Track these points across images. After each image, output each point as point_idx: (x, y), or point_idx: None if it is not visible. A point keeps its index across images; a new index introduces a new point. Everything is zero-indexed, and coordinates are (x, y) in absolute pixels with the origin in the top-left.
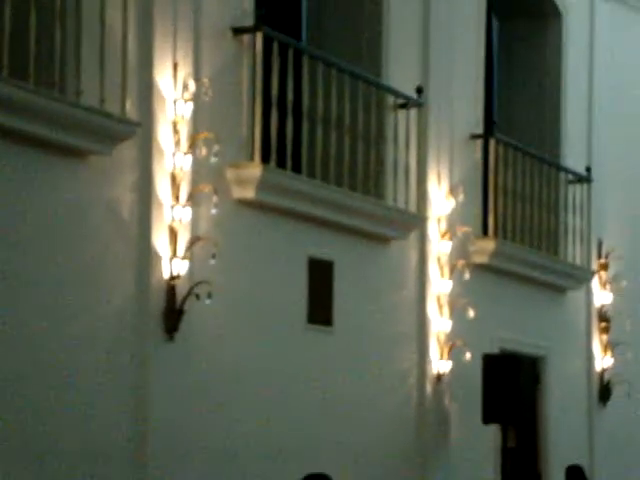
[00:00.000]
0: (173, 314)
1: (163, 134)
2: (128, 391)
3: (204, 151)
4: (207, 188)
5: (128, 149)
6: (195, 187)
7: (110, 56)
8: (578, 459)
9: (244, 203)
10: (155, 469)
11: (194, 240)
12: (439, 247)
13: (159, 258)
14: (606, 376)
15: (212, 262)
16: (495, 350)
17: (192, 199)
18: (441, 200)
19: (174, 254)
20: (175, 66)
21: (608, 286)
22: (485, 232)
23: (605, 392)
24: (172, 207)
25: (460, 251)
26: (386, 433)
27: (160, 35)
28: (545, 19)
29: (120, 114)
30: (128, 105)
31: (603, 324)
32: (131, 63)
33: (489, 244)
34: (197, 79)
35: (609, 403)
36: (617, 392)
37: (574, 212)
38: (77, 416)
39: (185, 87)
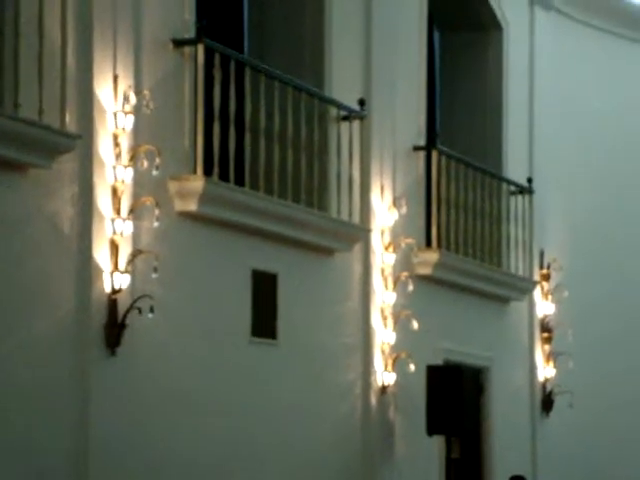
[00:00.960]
0: (115, 328)
1: (104, 147)
2: (69, 407)
3: (145, 164)
4: (149, 201)
5: (68, 162)
6: (137, 200)
7: (49, 68)
8: (521, 469)
9: (186, 216)
10: None
11: (136, 253)
12: (383, 259)
13: (100, 272)
14: (548, 386)
15: (154, 276)
16: (439, 361)
17: (133, 212)
18: (384, 212)
19: (115, 268)
20: (115, 78)
21: (550, 296)
22: (428, 244)
23: (548, 402)
24: (113, 220)
25: (404, 263)
26: (331, 445)
27: (100, 46)
28: (486, 31)
29: (60, 127)
30: (68, 118)
31: (545, 334)
32: (70, 75)
33: (432, 255)
34: (138, 91)
35: (552, 413)
36: (559, 402)
37: (516, 223)
38: (16, 433)
39: (126, 99)
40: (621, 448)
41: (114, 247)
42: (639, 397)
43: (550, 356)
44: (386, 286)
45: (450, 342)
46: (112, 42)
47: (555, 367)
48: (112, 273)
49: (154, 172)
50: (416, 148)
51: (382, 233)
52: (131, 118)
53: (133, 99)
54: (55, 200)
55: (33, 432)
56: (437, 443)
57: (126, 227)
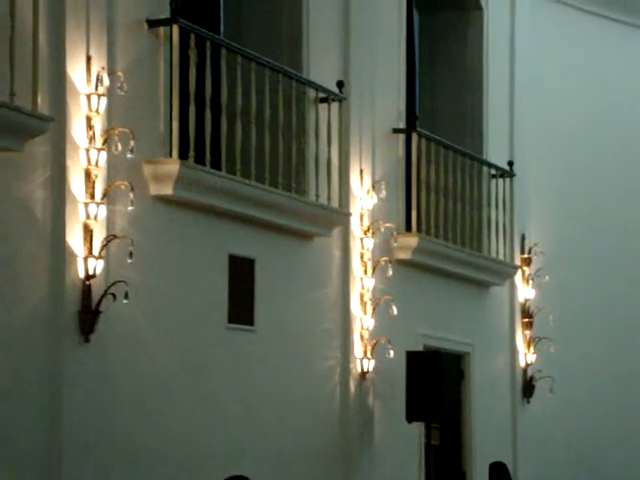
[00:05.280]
0: (89, 315)
1: (77, 129)
2: (42, 394)
3: (120, 147)
4: (123, 185)
5: (40, 145)
6: (111, 184)
7: (21, 49)
8: (502, 456)
9: (162, 200)
10: (70, 474)
11: (110, 238)
12: (362, 243)
13: (74, 257)
14: (529, 372)
15: (129, 261)
16: (419, 347)
17: (108, 196)
18: (364, 196)
19: (89, 253)
20: (88, 59)
21: (531, 281)
22: (408, 228)
23: (528, 388)
24: (87, 204)
25: (383, 247)
26: (310, 432)
27: (72, 27)
28: (466, 12)
29: (32, 109)
30: (40, 100)
31: (526, 319)
32: (42, 56)
33: (412, 240)
34: (111, 73)
35: (532, 399)
36: (540, 388)
37: (497, 207)
38: None
39: (99, 81)
40: (602, 433)
41: (88, 232)
42: (619, 382)
43: (531, 341)
44: (365, 271)
45: (430, 327)
46: (85, 22)
47: (536, 352)
48: (86, 258)
49: (128, 155)
50: (396, 131)
51: (361, 217)
52: (104, 100)
53: (106, 81)
54: (27, 184)
55: (5, 419)
56: (417, 429)
57: (100, 211)
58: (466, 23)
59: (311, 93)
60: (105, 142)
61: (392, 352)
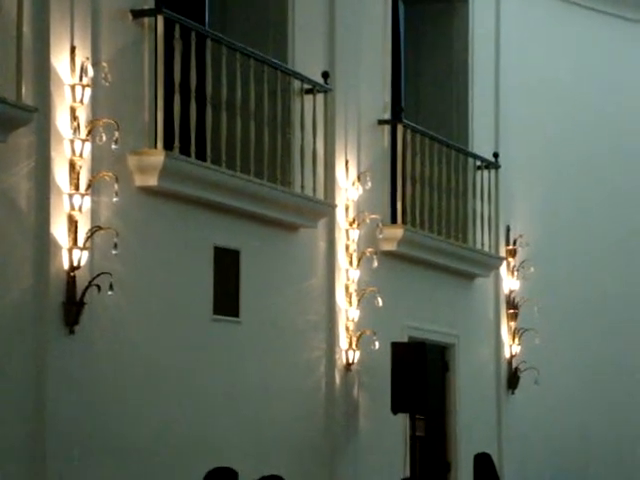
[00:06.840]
0: (73, 306)
1: (61, 120)
2: (25, 387)
3: (104, 138)
4: (108, 176)
5: (24, 136)
6: (95, 175)
7: (4, 39)
8: (486, 447)
9: (146, 191)
10: (54, 468)
11: (94, 230)
12: (347, 235)
13: (58, 248)
14: (514, 363)
15: (114, 252)
16: (404, 338)
17: (92, 187)
18: (349, 187)
19: (74, 244)
20: (73, 49)
21: (516, 273)
22: (393, 219)
23: (513, 379)
24: (71, 195)
25: (368, 239)
26: (295, 423)
27: (57, 17)
28: (451, 3)
29: (16, 99)
30: (24, 90)
31: (511, 311)
32: (26, 46)
33: (397, 231)
34: (96, 63)
35: (517, 390)
36: (525, 379)
37: (482, 198)
38: None
39: (83, 71)
40: (586, 425)
41: (72, 223)
42: (605, 373)
43: (516, 333)
44: (350, 262)
45: (415, 319)
46: (69, 12)
47: (521, 344)
48: (70, 250)
49: (113, 146)
50: (381, 122)
51: (347, 209)
52: (89, 91)
53: (91, 71)
54: (11, 175)
55: None
56: (402, 420)
57: (85, 202)
58: (451, 14)
59: (296, 84)
60: (89, 133)
61: (377, 343)
